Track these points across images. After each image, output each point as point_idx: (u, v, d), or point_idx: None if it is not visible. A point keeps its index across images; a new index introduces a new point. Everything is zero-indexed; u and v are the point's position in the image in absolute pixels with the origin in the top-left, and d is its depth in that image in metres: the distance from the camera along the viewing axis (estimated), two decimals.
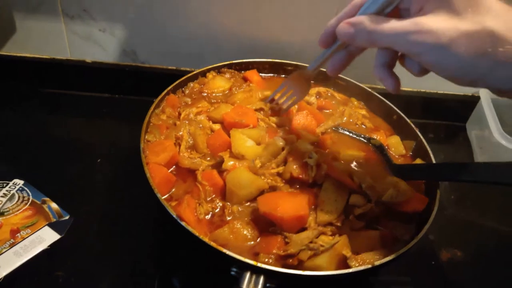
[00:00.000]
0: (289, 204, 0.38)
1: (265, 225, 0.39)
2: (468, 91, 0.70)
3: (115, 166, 0.53)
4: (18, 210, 0.45)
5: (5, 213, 0.44)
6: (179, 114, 0.49)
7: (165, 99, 0.50)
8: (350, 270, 0.35)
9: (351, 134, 0.51)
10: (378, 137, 0.51)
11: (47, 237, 0.43)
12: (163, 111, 0.49)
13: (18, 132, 0.57)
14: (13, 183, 0.48)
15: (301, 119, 0.48)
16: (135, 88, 0.64)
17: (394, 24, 0.30)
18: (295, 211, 0.38)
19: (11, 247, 0.41)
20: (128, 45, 0.63)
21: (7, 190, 0.47)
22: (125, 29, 0.61)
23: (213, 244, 0.34)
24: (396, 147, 0.51)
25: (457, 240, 0.52)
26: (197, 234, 0.35)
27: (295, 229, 0.38)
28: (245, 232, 0.39)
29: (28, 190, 0.47)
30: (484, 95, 0.63)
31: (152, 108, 0.47)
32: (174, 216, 0.36)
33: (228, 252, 0.34)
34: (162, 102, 0.49)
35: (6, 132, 0.56)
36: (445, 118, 0.70)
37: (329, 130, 0.50)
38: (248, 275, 0.34)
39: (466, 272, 0.49)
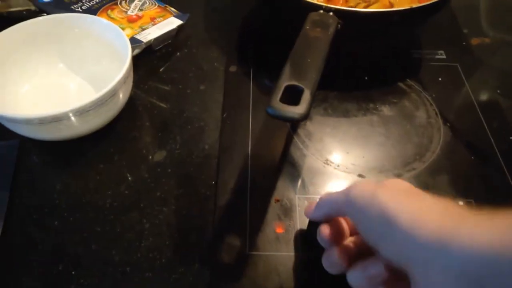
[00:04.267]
0: None
1: None
2: None
3: None
4: (151, 9, 0.64)
5: (144, 10, 0.63)
6: None
7: None
8: (393, 9, 0.51)
9: None
10: None
11: (175, 22, 0.62)
12: None
13: None
14: None
15: None
16: None
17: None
18: None
19: (154, 25, 0.60)
20: None
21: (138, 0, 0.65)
22: None
23: None
24: None
25: None
26: None
27: None
28: None
29: (153, 0, 0.66)
30: None
31: None
32: None
33: None
34: None
35: None
36: None
37: None
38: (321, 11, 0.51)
39: None
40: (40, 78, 0.53)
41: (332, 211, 0.34)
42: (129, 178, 0.46)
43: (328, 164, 0.47)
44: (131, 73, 0.49)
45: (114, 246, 0.41)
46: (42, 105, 0.51)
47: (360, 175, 0.46)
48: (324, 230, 0.35)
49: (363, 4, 0.53)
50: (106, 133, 0.49)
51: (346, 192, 0.31)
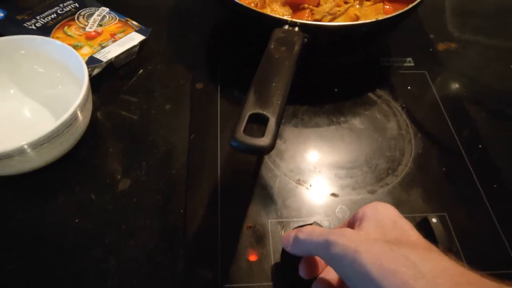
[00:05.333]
0: None
1: (297, 5, 0.54)
2: None
3: None
4: (110, 23, 0.61)
5: (103, 25, 0.60)
6: None
7: None
8: (359, 22, 0.50)
9: None
10: None
11: (137, 37, 0.59)
12: None
13: None
14: (101, 9, 0.63)
15: None
16: None
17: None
18: None
19: (114, 42, 0.57)
20: None
21: (98, 14, 0.62)
22: None
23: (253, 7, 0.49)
24: None
25: None
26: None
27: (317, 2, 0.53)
28: (282, 11, 0.54)
29: (113, 13, 0.63)
30: None
31: None
32: None
33: (268, 13, 0.49)
34: None
35: None
36: None
37: None
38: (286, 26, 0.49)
39: None
40: None
41: (312, 253, 0.33)
42: (92, 210, 0.44)
43: (300, 184, 0.46)
44: (90, 96, 0.46)
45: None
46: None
47: (333, 194, 0.45)
48: (303, 269, 0.34)
49: (329, 17, 0.52)
50: (66, 162, 0.46)
51: (326, 245, 0.29)
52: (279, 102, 0.36)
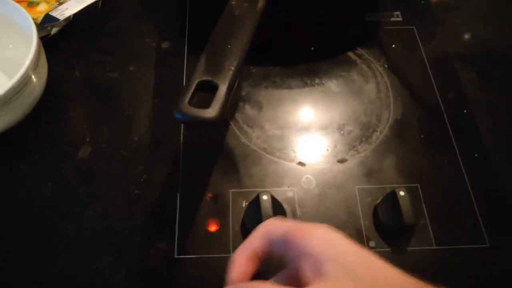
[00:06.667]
0: None
1: None
2: None
3: None
4: None
5: None
6: None
7: None
8: None
9: None
10: None
11: None
12: None
13: None
14: None
15: None
16: None
17: None
18: None
19: None
20: None
21: None
22: None
23: None
24: None
25: None
26: None
27: None
28: None
29: None
30: None
31: None
32: None
33: None
34: None
35: None
36: None
37: None
38: None
39: None
40: None
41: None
42: (50, 179, 0.42)
43: (267, 153, 0.44)
44: (44, 57, 0.44)
45: (32, 257, 0.38)
46: None
47: (300, 163, 0.43)
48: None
49: None
50: (23, 128, 0.44)
51: None
52: (232, 68, 0.33)
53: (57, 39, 0.50)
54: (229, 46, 0.35)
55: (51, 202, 0.41)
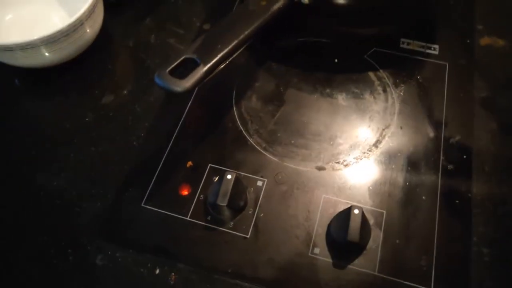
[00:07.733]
0: None
1: None
2: None
3: None
4: None
5: None
6: None
7: None
8: None
9: None
10: None
11: None
12: None
13: None
14: None
15: None
16: None
17: None
18: None
19: None
20: None
21: None
22: None
23: None
24: None
25: None
26: None
27: None
28: None
29: None
30: None
31: None
32: None
33: None
34: None
35: None
36: None
37: None
38: None
39: None
40: (23, 6, 0.57)
41: None
42: (73, 116, 0.50)
43: (255, 143, 0.47)
44: (99, 9, 0.52)
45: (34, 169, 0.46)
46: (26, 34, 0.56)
47: (281, 159, 0.46)
48: None
49: None
50: (72, 67, 0.53)
51: None
52: (219, 54, 0.37)
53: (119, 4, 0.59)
54: (228, 34, 0.39)
55: (67, 134, 0.49)
